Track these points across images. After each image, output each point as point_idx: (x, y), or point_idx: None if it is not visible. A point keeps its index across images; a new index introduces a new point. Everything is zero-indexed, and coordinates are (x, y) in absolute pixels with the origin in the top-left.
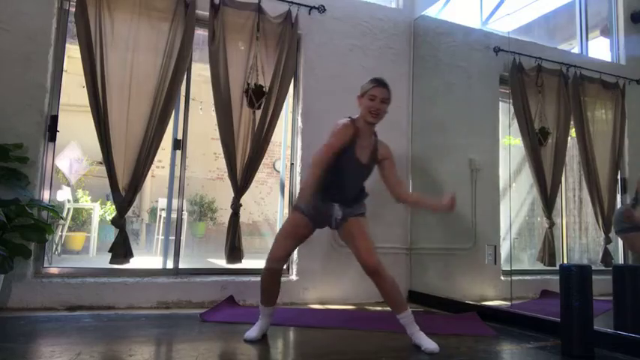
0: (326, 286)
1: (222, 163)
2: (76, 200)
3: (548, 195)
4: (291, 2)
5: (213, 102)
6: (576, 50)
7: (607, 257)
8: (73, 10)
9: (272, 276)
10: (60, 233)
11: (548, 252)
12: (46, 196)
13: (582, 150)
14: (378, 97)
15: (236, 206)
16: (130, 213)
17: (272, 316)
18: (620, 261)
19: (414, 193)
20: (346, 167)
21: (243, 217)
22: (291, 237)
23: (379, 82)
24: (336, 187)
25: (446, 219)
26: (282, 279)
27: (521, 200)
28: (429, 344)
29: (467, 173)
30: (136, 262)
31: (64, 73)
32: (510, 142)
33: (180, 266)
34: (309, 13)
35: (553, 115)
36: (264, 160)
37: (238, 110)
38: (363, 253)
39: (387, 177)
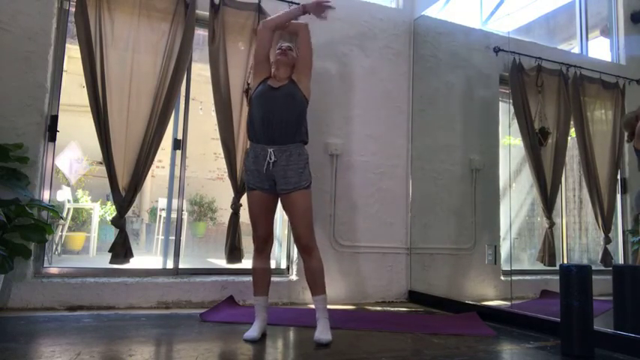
0: (326, 286)
1: (222, 163)
2: (76, 200)
3: (548, 195)
4: (291, 2)
5: (213, 102)
6: (576, 50)
7: (607, 257)
8: (73, 10)
9: (259, 259)
10: (60, 233)
11: (548, 252)
12: (46, 196)
13: (582, 150)
14: (283, 47)
15: (236, 206)
16: (130, 213)
17: (267, 310)
18: (620, 261)
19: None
20: (265, 94)
21: (243, 217)
22: (257, 215)
23: (282, 42)
24: (262, 122)
25: (446, 219)
26: (282, 279)
27: (521, 200)
28: (320, 334)
29: (467, 173)
30: (136, 262)
31: (64, 73)
32: (510, 142)
33: (180, 266)
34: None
35: (553, 115)
36: None
37: (238, 110)
38: (299, 229)
39: (300, 50)
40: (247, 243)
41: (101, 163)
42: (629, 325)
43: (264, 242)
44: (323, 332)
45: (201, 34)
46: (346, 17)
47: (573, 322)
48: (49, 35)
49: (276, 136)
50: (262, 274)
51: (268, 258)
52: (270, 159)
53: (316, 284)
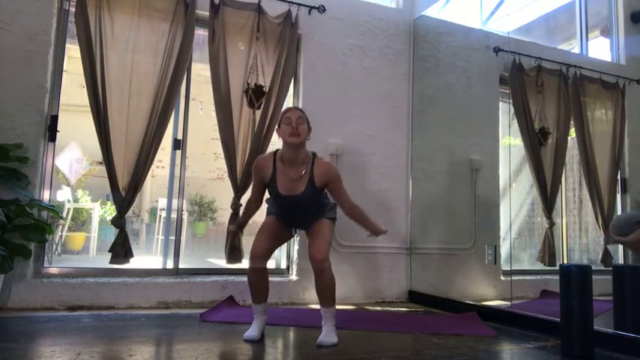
0: None
1: (222, 163)
2: (76, 200)
3: (548, 195)
4: (291, 2)
5: (213, 102)
6: (576, 50)
7: (607, 257)
8: (73, 10)
9: (257, 274)
10: (60, 233)
11: (548, 252)
12: (46, 196)
13: (582, 150)
14: (293, 118)
15: (236, 206)
16: (130, 213)
17: (266, 313)
18: (620, 261)
19: (358, 209)
20: (280, 202)
21: None
22: (269, 235)
23: (289, 108)
24: (285, 217)
25: (446, 219)
26: (282, 279)
27: (521, 200)
28: (325, 337)
29: (467, 173)
30: (136, 262)
31: (64, 73)
32: (510, 142)
33: (180, 266)
34: (309, 13)
35: (553, 115)
36: None
37: (238, 110)
38: (313, 250)
39: (333, 196)
40: (247, 243)
41: (101, 163)
42: (629, 325)
43: (260, 259)
44: (327, 335)
45: (201, 34)
46: (346, 17)
47: (573, 322)
48: (49, 35)
49: (301, 226)
50: (259, 286)
51: (265, 271)
52: (296, 234)
53: (326, 299)
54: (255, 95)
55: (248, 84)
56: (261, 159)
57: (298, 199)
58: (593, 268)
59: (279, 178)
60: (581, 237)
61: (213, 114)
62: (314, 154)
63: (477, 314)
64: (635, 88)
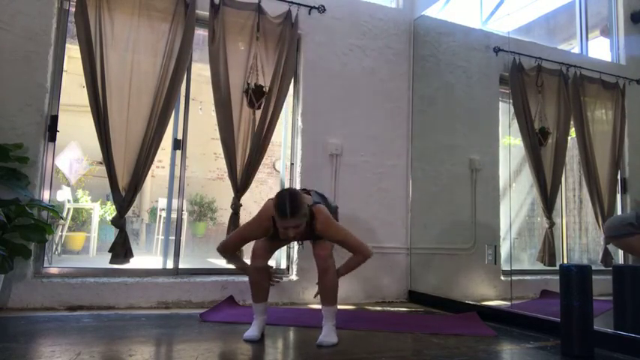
0: None
1: (222, 163)
2: (76, 200)
3: (548, 195)
4: (291, 2)
5: (213, 102)
6: (576, 50)
7: (607, 257)
8: (73, 10)
9: (258, 273)
10: (60, 233)
11: (548, 252)
12: (46, 196)
13: (582, 150)
14: (289, 227)
15: (236, 206)
16: (130, 213)
17: (266, 313)
18: (620, 261)
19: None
20: (280, 239)
21: (243, 217)
22: (261, 241)
23: (283, 213)
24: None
25: (446, 219)
26: (282, 279)
27: (521, 200)
28: (325, 337)
29: (467, 173)
30: (136, 262)
31: (64, 73)
32: (510, 142)
33: (180, 266)
34: (309, 13)
35: (553, 115)
36: (264, 160)
37: (238, 110)
38: (317, 247)
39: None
40: (248, 243)
41: (101, 163)
42: (629, 325)
43: (261, 259)
44: (327, 335)
45: (201, 34)
46: (346, 17)
47: (573, 322)
48: (49, 35)
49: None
50: (260, 286)
51: (266, 270)
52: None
53: (327, 297)
54: (255, 95)
55: (248, 84)
56: (261, 228)
57: (300, 239)
58: (593, 268)
59: (281, 231)
60: (581, 237)
61: (213, 114)
62: (311, 210)
63: (477, 314)
64: (635, 88)
